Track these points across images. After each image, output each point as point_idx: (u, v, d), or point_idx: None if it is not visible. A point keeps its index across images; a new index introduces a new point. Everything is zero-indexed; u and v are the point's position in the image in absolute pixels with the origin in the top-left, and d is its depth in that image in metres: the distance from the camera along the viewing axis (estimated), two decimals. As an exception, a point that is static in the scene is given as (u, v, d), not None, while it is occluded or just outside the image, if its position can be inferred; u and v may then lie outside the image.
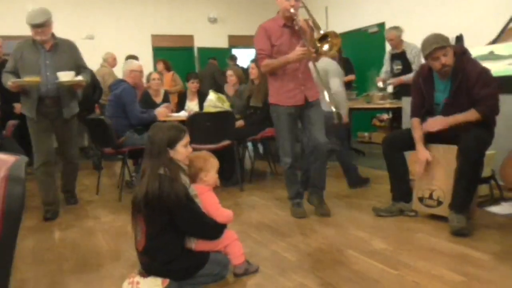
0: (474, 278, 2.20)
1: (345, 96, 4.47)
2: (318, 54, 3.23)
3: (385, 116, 6.26)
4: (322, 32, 3.14)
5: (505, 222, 3.08)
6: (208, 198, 2.30)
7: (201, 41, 9.67)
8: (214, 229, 2.25)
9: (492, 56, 4.21)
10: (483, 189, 3.42)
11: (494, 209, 3.34)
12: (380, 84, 5.59)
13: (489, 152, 3.06)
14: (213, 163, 2.39)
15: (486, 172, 3.20)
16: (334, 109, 3.46)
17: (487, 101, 2.95)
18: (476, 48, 4.30)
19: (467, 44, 4.77)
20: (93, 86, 5.75)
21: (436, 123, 3.07)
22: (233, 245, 2.32)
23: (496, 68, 3.84)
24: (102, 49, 7.21)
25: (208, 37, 9.70)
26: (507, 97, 3.11)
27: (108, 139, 4.30)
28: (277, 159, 4.65)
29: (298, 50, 3.14)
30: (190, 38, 9.63)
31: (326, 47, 3.14)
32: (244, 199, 4.15)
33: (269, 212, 3.65)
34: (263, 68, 3.37)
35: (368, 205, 3.59)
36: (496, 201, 3.43)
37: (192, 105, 5.38)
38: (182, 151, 2.22)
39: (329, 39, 3.12)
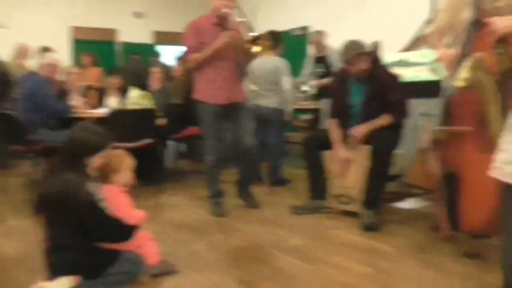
0: (381, 270, 2.35)
1: (294, 94, 4.62)
2: (250, 55, 3.28)
3: (305, 117, 6.46)
4: (254, 34, 3.19)
5: (410, 216, 3.32)
6: (119, 200, 2.22)
7: (125, 36, 9.35)
8: (123, 232, 2.17)
9: (403, 63, 4.50)
10: (391, 186, 3.66)
11: (401, 204, 3.60)
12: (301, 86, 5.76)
13: (397, 151, 3.27)
14: (128, 163, 2.31)
15: (394, 171, 3.42)
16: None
17: (399, 106, 3.17)
18: (389, 55, 4.58)
19: (382, 51, 5.07)
20: (3, 78, 5.35)
21: (358, 132, 3.20)
22: (147, 245, 2.27)
23: (407, 75, 4.12)
24: (15, 39, 6.71)
25: (132, 32, 9.40)
26: (414, 101, 3.34)
27: (19, 135, 4.03)
28: (200, 158, 4.64)
29: (225, 36, 3.14)
30: (113, 32, 9.29)
31: (256, 48, 3.20)
32: (165, 199, 4.08)
33: (190, 211, 3.62)
34: (190, 63, 3.34)
35: (287, 203, 3.69)
36: (402, 197, 3.68)
37: (113, 102, 5.19)
38: (99, 160, 2.13)
39: (260, 41, 3.19)
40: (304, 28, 8.03)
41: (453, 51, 2.54)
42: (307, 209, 3.44)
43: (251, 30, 3.22)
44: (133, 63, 7.86)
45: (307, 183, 3.52)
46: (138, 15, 9.55)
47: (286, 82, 4.29)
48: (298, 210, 3.45)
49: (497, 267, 2.26)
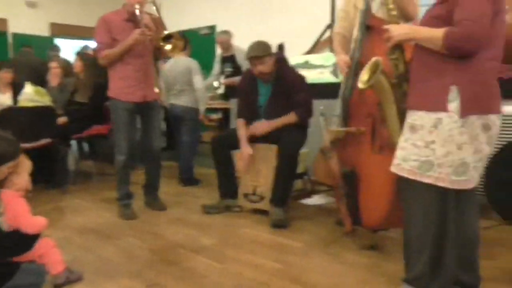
0: (290, 265, 2.44)
1: (206, 93, 4.76)
2: (162, 53, 3.25)
3: (214, 116, 6.49)
4: (167, 31, 3.14)
5: (316, 212, 3.50)
6: (17, 206, 2.03)
7: (17, 27, 8.58)
8: (23, 244, 2.00)
9: (307, 65, 4.70)
10: (298, 184, 3.81)
11: (308, 201, 3.77)
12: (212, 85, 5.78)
13: (303, 150, 3.42)
14: (25, 165, 2.14)
15: (300, 169, 3.57)
16: None
17: (303, 105, 3.30)
18: (294, 57, 4.76)
19: (287, 53, 5.26)
20: None
21: (262, 126, 3.31)
22: (50, 254, 2.12)
23: (310, 76, 4.31)
24: None
25: (26, 22, 8.65)
26: (318, 102, 3.51)
27: None
28: (105, 158, 4.46)
29: (136, 32, 3.06)
30: (3, 22, 8.48)
31: (168, 47, 3.17)
32: (67, 202, 3.84)
33: (94, 215, 3.45)
34: (102, 60, 3.22)
35: (198, 202, 3.68)
36: (309, 194, 3.86)
37: (3, 98, 4.75)
38: (4, 171, 1.94)
39: (172, 40, 3.16)
40: (211, 27, 8.04)
41: (347, 56, 2.74)
42: (217, 208, 3.46)
43: (164, 27, 3.17)
44: (24, 56, 7.23)
45: (217, 182, 3.54)
46: (30, 4, 8.81)
47: (198, 81, 4.42)
48: (209, 209, 3.46)
49: (395, 256, 2.48)
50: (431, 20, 1.82)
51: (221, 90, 5.77)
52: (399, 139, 1.93)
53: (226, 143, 3.48)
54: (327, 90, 4.03)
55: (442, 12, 1.77)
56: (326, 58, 4.65)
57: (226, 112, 5.75)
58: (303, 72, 3.97)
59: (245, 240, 2.86)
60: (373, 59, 2.20)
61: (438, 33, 1.72)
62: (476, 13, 1.66)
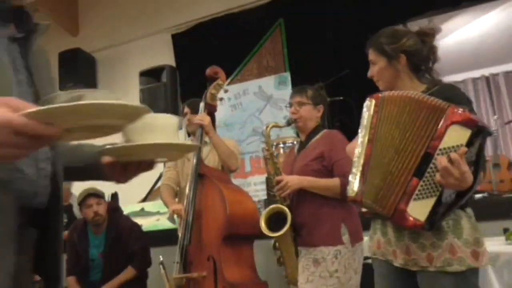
0: None
1: None
2: None
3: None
4: None
5: None
6: None
7: None
8: None
9: (143, 213, 4.65)
10: None
11: None
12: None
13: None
14: None
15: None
16: None
17: (141, 256, 3.22)
18: (129, 206, 4.69)
19: (121, 202, 5.16)
20: None
21: None
22: None
23: (147, 224, 4.25)
24: None
25: None
26: (156, 249, 3.42)
27: None
28: None
29: None
30: None
31: None
32: None
33: None
34: None
35: None
36: None
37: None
38: None
39: None
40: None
41: (180, 204, 2.81)
42: None
43: None
44: None
45: None
46: None
47: None
48: None
49: None
50: (312, 173, 2.21)
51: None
52: (300, 275, 2.17)
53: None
54: (165, 237, 4.00)
55: (319, 167, 2.21)
56: (162, 204, 4.68)
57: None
58: (139, 220, 3.92)
59: None
60: (279, 207, 2.28)
61: (334, 182, 2.16)
62: None
